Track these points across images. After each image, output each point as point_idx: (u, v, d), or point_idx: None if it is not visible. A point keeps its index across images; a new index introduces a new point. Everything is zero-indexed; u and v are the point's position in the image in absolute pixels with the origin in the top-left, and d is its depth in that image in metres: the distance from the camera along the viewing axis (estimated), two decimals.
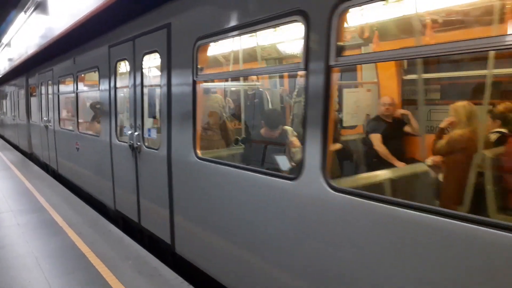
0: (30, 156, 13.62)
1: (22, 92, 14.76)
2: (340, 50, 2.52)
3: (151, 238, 5.27)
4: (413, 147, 4.66)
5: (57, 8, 7.86)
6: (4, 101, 21.09)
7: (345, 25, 2.57)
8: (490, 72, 2.80)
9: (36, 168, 11.23)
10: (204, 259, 4.15)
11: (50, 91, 10.51)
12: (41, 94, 11.64)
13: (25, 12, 10.37)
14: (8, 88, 18.78)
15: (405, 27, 3.85)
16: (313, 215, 2.70)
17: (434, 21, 3.76)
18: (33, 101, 13.06)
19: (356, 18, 3.66)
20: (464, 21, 3.73)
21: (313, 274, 2.75)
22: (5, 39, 15.66)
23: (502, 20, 2.93)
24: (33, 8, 9.79)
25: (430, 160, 3.79)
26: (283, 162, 3.47)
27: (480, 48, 1.96)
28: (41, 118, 11.51)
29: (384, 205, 2.27)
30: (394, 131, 4.61)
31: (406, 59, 4.00)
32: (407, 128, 4.70)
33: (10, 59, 15.19)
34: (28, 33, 11.01)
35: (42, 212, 6.67)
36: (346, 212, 2.49)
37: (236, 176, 3.54)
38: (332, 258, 2.60)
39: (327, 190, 2.57)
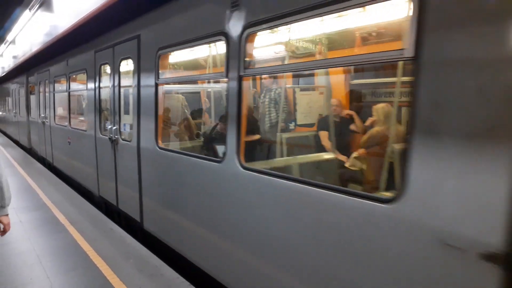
0: (29, 151, 14.12)
1: (23, 90, 15.20)
2: (247, 64, 3.33)
3: (126, 218, 5.99)
4: (357, 142, 5.26)
5: (61, 6, 7.92)
6: (7, 98, 21.22)
7: (251, 45, 3.36)
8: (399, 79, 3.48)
9: (38, 165, 11.30)
10: (165, 232, 4.90)
11: (47, 89, 11.18)
12: (39, 92, 12.28)
13: (30, 9, 10.37)
14: (11, 86, 18.92)
15: (288, 49, 4.94)
16: (231, 186, 3.61)
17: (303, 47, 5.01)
18: (32, 98, 13.66)
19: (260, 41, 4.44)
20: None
21: (231, 229, 3.66)
22: (9, 37, 15.67)
23: None
24: (38, 6, 9.81)
25: (356, 153, 4.33)
26: (221, 150, 4.17)
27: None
28: (39, 115, 12.10)
29: (273, 178, 3.11)
30: (341, 129, 5.05)
31: (286, 72, 5.15)
32: (352, 127, 5.10)
33: (14, 57, 15.24)
34: (32, 31, 11.09)
35: (44, 209, 6.69)
36: (250, 183, 3.38)
37: (184, 161, 4.31)
38: (242, 216, 3.50)
39: (239, 169, 3.45)
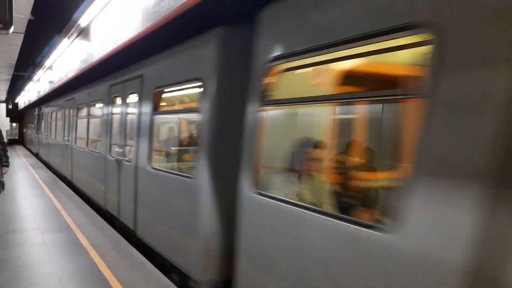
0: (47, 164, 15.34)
1: (54, 115, 15.92)
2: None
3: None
4: None
5: (98, 35, 8.28)
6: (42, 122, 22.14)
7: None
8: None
9: (65, 188, 11.50)
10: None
11: (71, 115, 12.37)
12: (65, 117, 13.43)
13: (69, 37, 10.86)
14: (45, 110, 19.72)
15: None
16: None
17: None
18: (59, 123, 14.78)
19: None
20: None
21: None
22: (47, 63, 16.40)
23: None
24: (76, 34, 10.27)
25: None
26: None
27: None
28: (63, 137, 13.19)
29: None
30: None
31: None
32: None
33: (50, 82, 15.90)
34: (69, 58, 11.61)
35: (68, 231, 6.76)
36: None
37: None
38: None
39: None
